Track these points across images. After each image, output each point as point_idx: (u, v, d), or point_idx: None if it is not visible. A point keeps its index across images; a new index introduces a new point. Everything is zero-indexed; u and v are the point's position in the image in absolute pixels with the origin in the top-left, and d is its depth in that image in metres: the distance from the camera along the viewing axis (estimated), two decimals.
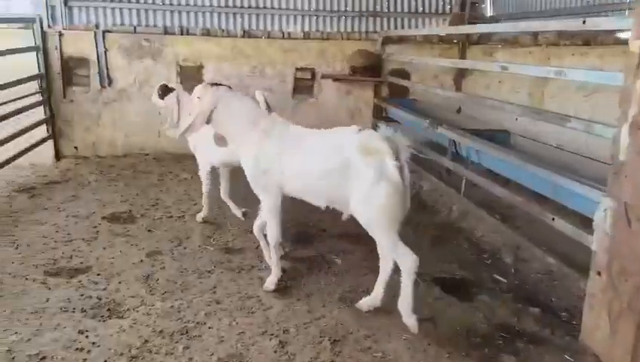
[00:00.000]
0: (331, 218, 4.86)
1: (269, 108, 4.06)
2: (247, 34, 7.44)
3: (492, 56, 7.18)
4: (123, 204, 5.21)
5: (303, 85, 7.65)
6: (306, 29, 7.70)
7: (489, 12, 8.59)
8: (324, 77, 7.56)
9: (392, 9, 7.93)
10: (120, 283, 3.58)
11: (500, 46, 7.11)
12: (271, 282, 3.52)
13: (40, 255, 3.98)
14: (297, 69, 7.52)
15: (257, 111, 3.42)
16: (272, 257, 3.56)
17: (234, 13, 7.52)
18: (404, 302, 3.05)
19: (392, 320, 3.14)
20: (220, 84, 3.48)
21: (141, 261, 3.95)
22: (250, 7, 7.55)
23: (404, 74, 7.77)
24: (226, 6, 7.48)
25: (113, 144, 7.24)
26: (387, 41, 7.62)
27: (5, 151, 5.73)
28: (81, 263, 3.88)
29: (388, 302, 3.26)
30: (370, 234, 3.11)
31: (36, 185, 5.82)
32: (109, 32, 7.02)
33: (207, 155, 4.59)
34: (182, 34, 7.25)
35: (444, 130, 5.25)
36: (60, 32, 6.83)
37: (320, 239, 4.45)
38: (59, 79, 6.91)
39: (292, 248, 4.25)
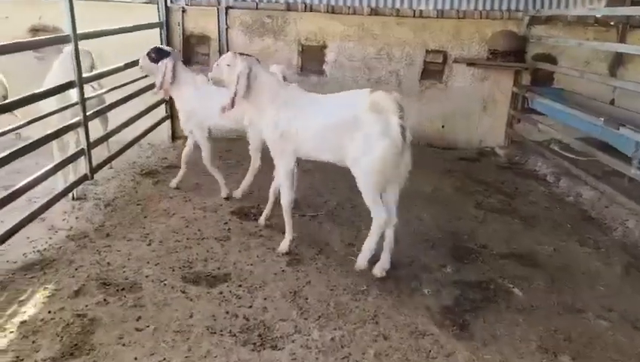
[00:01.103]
0: (490, 231, 4.22)
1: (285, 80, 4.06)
2: (374, 11, 6.77)
3: None
4: (249, 197, 4.80)
5: (433, 69, 6.90)
6: (440, 6, 6.89)
7: None
8: (457, 61, 6.78)
9: None
10: (265, 299, 3.13)
11: None
12: (284, 246, 3.76)
13: (174, 255, 3.63)
14: (428, 52, 6.78)
15: (279, 83, 3.63)
16: (286, 220, 3.75)
17: None
18: (365, 252, 3.38)
19: None
20: (248, 55, 3.70)
21: (282, 271, 3.49)
22: None
23: (550, 59, 6.81)
24: None
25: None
26: (533, 21, 6.66)
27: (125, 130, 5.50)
28: (219, 269, 3.48)
29: None
30: (358, 186, 3.31)
31: (157, 168, 5.58)
32: (231, 8, 6.63)
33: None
34: (305, 10, 6.71)
35: (630, 131, 4.34)
36: (182, 7, 6.53)
37: (483, 258, 3.78)
38: (179, 57, 6.62)
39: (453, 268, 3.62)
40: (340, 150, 3.32)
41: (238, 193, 4.79)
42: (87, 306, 2.94)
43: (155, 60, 4.53)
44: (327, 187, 5.13)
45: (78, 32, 4.18)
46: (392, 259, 3.68)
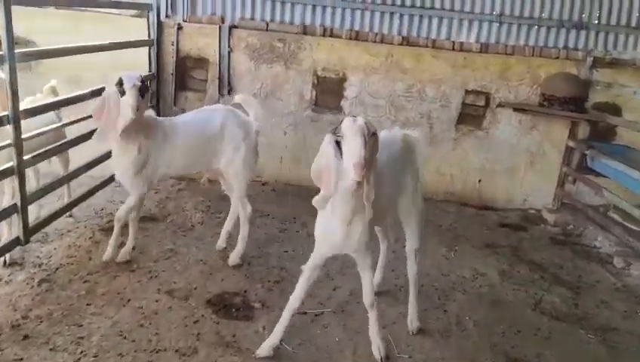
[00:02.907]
0: (562, 356, 3.01)
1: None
2: (406, 41, 5.68)
3: None
4: (235, 275, 3.67)
5: (472, 113, 5.78)
6: (484, 39, 5.80)
7: None
8: (502, 105, 5.65)
9: (604, 20, 5.79)
10: None
11: None
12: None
13: None
14: (467, 92, 5.66)
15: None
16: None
17: (392, 13, 5.76)
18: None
19: None
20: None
21: None
22: (413, 6, 5.75)
23: (613, 110, 5.66)
24: (383, 3, 5.73)
25: None
26: (596, 63, 5.53)
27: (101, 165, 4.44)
28: None
29: None
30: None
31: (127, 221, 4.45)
32: (235, 27, 5.59)
33: None
34: (324, 35, 5.65)
35: None
36: (179, 24, 5.49)
37: None
38: (171, 82, 5.60)
39: None
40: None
41: (234, 259, 3.80)
42: None
43: (124, 93, 3.24)
44: (335, 265, 3.98)
45: (32, 48, 3.16)
46: None
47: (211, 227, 4.47)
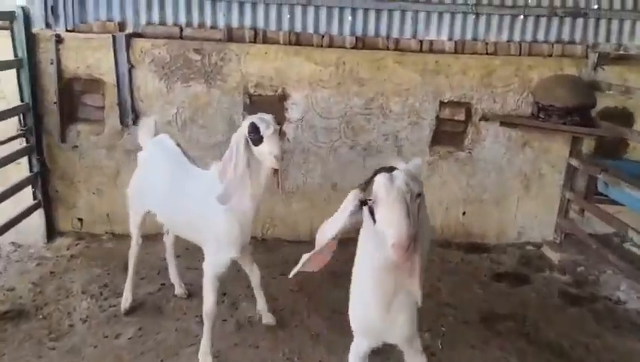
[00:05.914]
0: None
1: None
2: (361, 42, 4.44)
3: None
4: None
5: (450, 130, 4.57)
6: (457, 36, 4.58)
7: None
8: (486, 118, 4.45)
9: (605, 5, 4.62)
10: None
11: None
12: None
13: None
14: (442, 104, 4.45)
15: None
16: None
17: (341, 8, 4.49)
18: None
19: None
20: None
21: None
22: None
23: (624, 116, 4.54)
24: None
25: None
26: (600, 60, 4.37)
27: None
28: None
29: None
30: None
31: None
32: (137, 35, 4.25)
33: None
34: (255, 41, 4.36)
35: None
36: (57, 35, 4.11)
37: None
38: (55, 113, 4.22)
39: None
40: None
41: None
42: None
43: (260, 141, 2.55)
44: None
45: None
46: None
47: (98, 325, 3.14)
